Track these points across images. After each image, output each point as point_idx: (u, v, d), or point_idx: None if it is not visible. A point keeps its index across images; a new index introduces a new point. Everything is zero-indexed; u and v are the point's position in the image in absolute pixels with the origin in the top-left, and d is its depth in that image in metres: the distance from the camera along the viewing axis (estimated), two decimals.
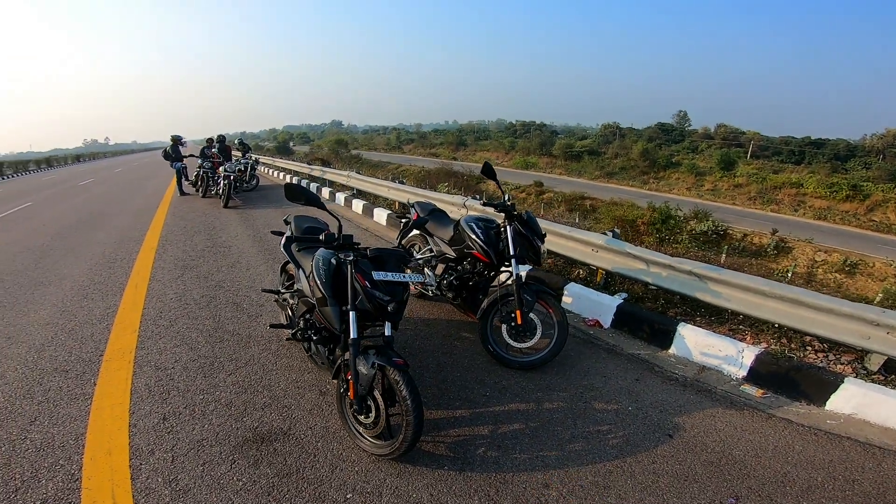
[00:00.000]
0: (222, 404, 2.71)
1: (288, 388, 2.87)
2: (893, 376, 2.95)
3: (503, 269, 3.35)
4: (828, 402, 2.81)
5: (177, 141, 11.18)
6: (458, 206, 6.28)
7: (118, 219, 9.07)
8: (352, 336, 2.11)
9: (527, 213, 3.22)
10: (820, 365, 3.11)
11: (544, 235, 3.24)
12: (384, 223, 8.10)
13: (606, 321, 3.96)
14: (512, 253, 3.06)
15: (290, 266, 3.33)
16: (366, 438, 2.28)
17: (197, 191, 11.35)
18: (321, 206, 2.24)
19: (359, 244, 2.26)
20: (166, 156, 11.13)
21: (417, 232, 4.12)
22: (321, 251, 2.37)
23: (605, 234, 4.51)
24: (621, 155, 45.08)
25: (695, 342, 3.41)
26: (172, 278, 5.00)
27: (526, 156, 50.56)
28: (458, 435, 2.48)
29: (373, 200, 9.64)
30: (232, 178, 9.68)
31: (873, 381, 2.87)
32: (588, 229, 5.31)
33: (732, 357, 3.22)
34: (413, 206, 4.15)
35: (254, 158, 12.14)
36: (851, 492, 2.12)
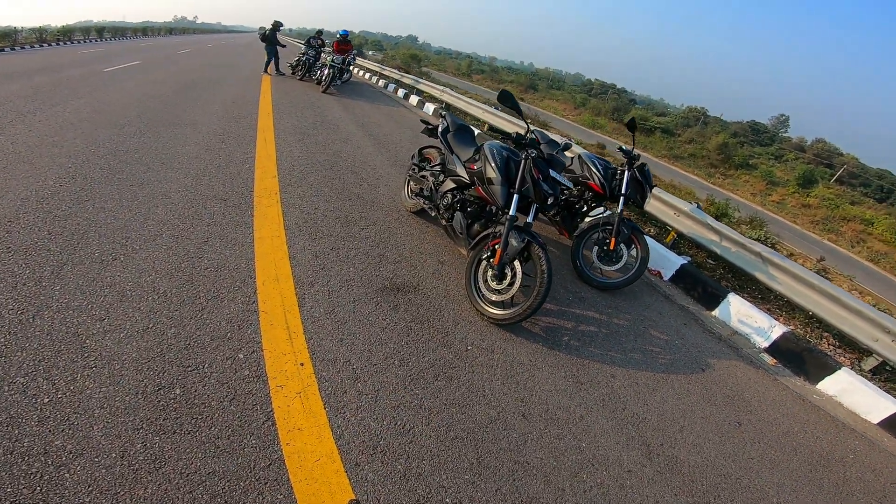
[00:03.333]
0: (361, 253, 3.21)
1: (412, 251, 3.48)
2: (877, 377, 3.49)
3: (605, 203, 3.85)
4: (820, 383, 3.36)
5: (277, 26, 11.64)
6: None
7: (226, 84, 9.77)
8: (511, 213, 2.70)
9: (645, 165, 3.66)
10: (827, 353, 3.64)
11: (653, 187, 3.69)
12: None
13: (667, 274, 4.48)
14: (624, 192, 3.56)
15: (429, 151, 3.95)
16: (487, 305, 2.81)
17: (294, 73, 12.33)
18: (521, 114, 2.78)
19: (537, 147, 2.79)
20: (264, 38, 11.59)
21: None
22: (492, 143, 2.94)
23: (690, 203, 4.89)
24: (696, 142, 42.59)
25: (737, 311, 3.92)
26: (295, 140, 5.68)
27: (595, 115, 48.26)
28: (549, 322, 3.09)
29: (462, 117, 10.07)
30: (336, 68, 10.40)
31: (862, 376, 3.38)
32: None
33: (763, 329, 3.73)
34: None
35: (354, 53, 12.47)
36: (816, 446, 2.70)
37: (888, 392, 3.25)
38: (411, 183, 4.10)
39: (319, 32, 12.33)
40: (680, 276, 4.41)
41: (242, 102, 7.68)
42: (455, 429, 2.01)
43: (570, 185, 2.81)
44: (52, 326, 2.02)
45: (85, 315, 2.12)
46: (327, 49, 11.37)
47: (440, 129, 3.63)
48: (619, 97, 57.81)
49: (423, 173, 3.78)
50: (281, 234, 3.21)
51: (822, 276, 4.36)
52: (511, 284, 2.76)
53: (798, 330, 3.85)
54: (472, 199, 3.16)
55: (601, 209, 3.91)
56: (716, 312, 4.06)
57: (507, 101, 2.65)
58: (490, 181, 2.81)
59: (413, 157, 4.09)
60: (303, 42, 11.98)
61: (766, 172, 38.67)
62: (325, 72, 10.39)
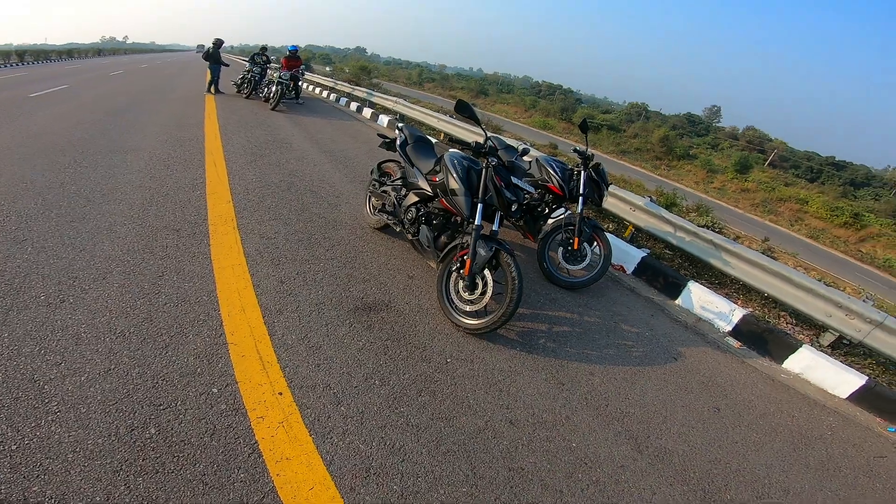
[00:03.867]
0: (328, 275, 3.14)
1: (381, 268, 3.44)
2: (837, 351, 3.70)
3: (565, 204, 3.95)
4: (785, 361, 3.54)
5: (218, 44, 11.37)
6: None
7: (168, 106, 9.30)
8: (476, 222, 2.71)
9: (601, 164, 3.78)
10: (787, 332, 3.84)
11: (609, 185, 3.82)
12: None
13: (630, 268, 4.64)
14: (582, 192, 3.65)
15: (388, 165, 3.90)
16: (462, 316, 2.83)
17: (239, 92, 11.95)
18: (479, 123, 2.78)
19: (496, 154, 2.80)
20: (207, 56, 11.28)
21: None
22: (452, 153, 2.94)
23: (643, 197, 5.10)
24: (640, 136, 44.82)
25: (698, 298, 4.10)
26: (246, 162, 5.48)
27: (545, 117, 49.82)
28: (523, 327, 3.12)
29: (418, 127, 10.14)
30: (284, 84, 10.19)
31: (822, 352, 3.58)
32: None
33: (724, 314, 3.91)
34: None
35: (302, 69, 12.18)
36: (794, 425, 2.85)
37: (850, 366, 3.45)
38: (372, 199, 4.04)
39: (264, 49, 12.07)
40: (642, 269, 4.57)
41: (186, 125, 7.34)
42: (445, 442, 2.01)
43: (533, 189, 2.85)
44: (6, 374, 1.92)
45: (39, 360, 2.01)
46: (274, 65, 11.13)
47: (398, 142, 3.60)
48: (566, 97, 60.00)
49: (385, 188, 3.73)
50: (242, 263, 3.10)
51: (768, 255, 4.67)
52: (483, 294, 2.78)
53: (757, 311, 4.07)
54: (437, 211, 3.15)
55: (562, 210, 4.00)
56: (679, 301, 4.23)
57: (465, 111, 2.66)
58: (453, 192, 2.82)
59: (372, 172, 4.03)
60: (247, 59, 11.71)
61: (706, 161, 41.16)
62: (273, 89, 10.16)
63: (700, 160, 41.63)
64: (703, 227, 5.70)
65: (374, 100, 12.99)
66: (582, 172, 3.70)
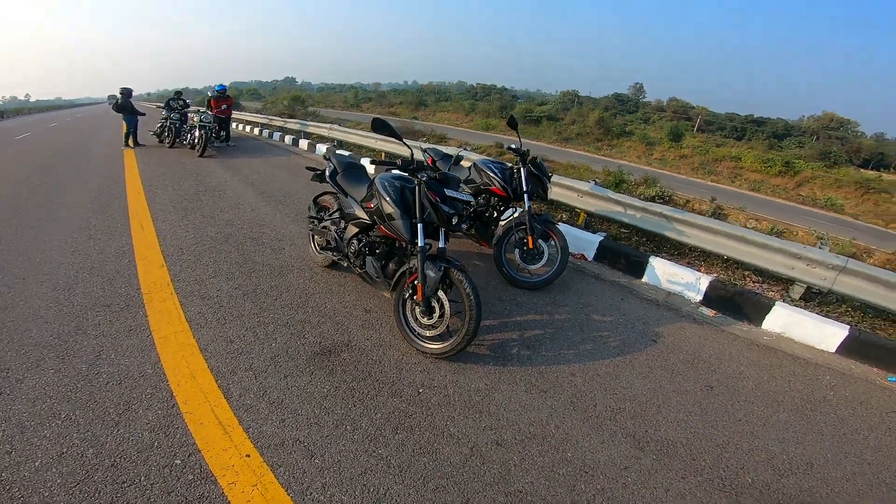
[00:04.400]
0: (280, 324, 2.95)
1: (335, 308, 3.23)
2: (811, 303, 3.73)
3: (512, 204, 3.87)
4: (763, 323, 3.53)
5: (127, 93, 10.64)
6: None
7: (82, 168, 8.62)
8: (420, 244, 2.55)
9: (538, 158, 3.72)
10: (757, 292, 3.87)
11: (550, 177, 3.77)
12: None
13: (590, 255, 4.63)
14: (525, 189, 3.58)
15: (325, 198, 3.69)
16: (424, 341, 2.71)
17: (161, 142, 11.24)
18: (400, 138, 2.61)
19: (426, 168, 2.65)
20: (118, 108, 10.56)
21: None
22: (382, 176, 2.78)
23: (588, 182, 5.13)
24: (578, 122, 46.40)
25: (663, 272, 4.13)
26: (177, 219, 5.10)
27: (486, 118, 50.74)
28: (494, 339, 2.99)
29: (358, 151, 9.90)
30: (208, 127, 9.68)
31: (797, 306, 3.60)
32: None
33: (692, 284, 3.94)
34: (426, 151, 4.44)
35: (224, 108, 11.60)
36: (793, 391, 2.78)
37: (828, 317, 3.45)
38: (316, 237, 3.81)
39: (179, 93, 11.45)
40: (602, 253, 4.56)
41: (106, 186, 6.79)
42: (433, 478, 1.91)
43: (471, 198, 2.73)
44: None
45: None
46: (194, 108, 10.57)
47: (327, 173, 3.41)
48: (503, 96, 61.38)
49: (324, 224, 3.52)
50: (185, 329, 2.87)
51: (719, 214, 4.78)
52: (441, 316, 2.64)
53: (722, 276, 4.10)
54: (379, 239, 2.97)
55: (511, 211, 3.92)
56: (645, 279, 4.23)
57: (383, 129, 2.51)
58: (390, 217, 2.66)
59: (309, 208, 3.81)
60: (163, 106, 11.06)
61: (642, 136, 43.08)
62: (197, 133, 9.59)
63: (637, 135, 43.47)
64: (652, 198, 5.81)
65: (309, 129, 12.67)
66: (521, 169, 3.62)
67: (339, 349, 2.74)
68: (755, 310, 3.59)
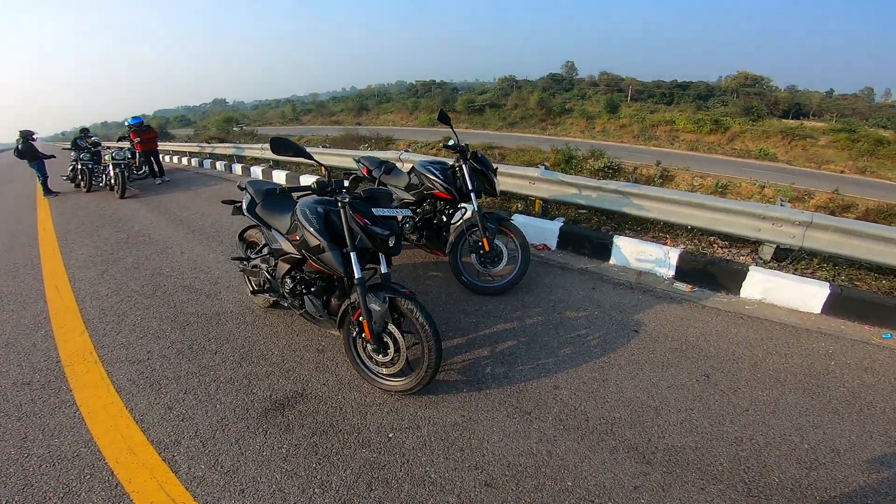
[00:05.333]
0: (224, 381, 2.61)
1: (283, 353, 2.86)
2: (782, 263, 3.63)
3: (461, 206, 3.59)
4: (741, 291, 3.42)
5: (27, 136, 9.52)
6: (394, 161, 6.32)
7: None
8: (356, 275, 2.20)
9: (478, 151, 3.46)
10: (727, 258, 3.75)
11: (496, 169, 3.52)
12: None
13: (552, 244, 4.44)
14: (471, 187, 3.30)
15: (251, 233, 3.28)
16: (385, 379, 2.42)
17: (77, 186, 10.16)
18: (308, 155, 2.25)
19: (346, 188, 2.30)
20: (20, 154, 9.46)
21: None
22: (302, 202, 2.40)
23: (537, 167, 4.95)
24: (520, 105, 46.99)
25: (630, 251, 3.99)
26: (97, 275, 4.50)
27: (430, 114, 50.49)
28: (463, 360, 2.71)
29: (297, 168, 9.32)
30: (123, 165, 8.73)
31: (770, 269, 3.47)
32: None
33: (661, 260, 3.81)
34: (360, 161, 4.18)
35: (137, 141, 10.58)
36: (790, 366, 2.59)
37: (804, 275, 3.36)
38: (250, 277, 3.39)
39: (85, 130, 10.50)
40: (565, 240, 4.39)
41: (16, 246, 5.97)
42: None
43: (406, 211, 2.38)
44: None
45: None
46: (106, 145, 9.62)
47: (244, 206, 3.01)
48: (443, 90, 61.09)
49: (254, 263, 3.12)
50: (116, 401, 2.52)
51: (666, 177, 4.71)
52: (398, 350, 2.33)
53: (689, 247, 3.99)
54: (313, 274, 2.61)
55: (460, 213, 3.64)
56: (612, 261, 4.09)
57: (286, 150, 2.14)
58: (318, 249, 2.29)
59: (236, 246, 3.38)
60: (70, 147, 9.99)
61: (582, 111, 44.26)
62: (112, 172, 8.66)
63: (577, 111, 44.58)
64: (601, 170, 5.70)
65: (245, 153, 11.92)
66: (464, 166, 3.34)
67: (294, 400, 2.43)
68: (730, 278, 3.49)
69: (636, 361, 2.66)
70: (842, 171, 27.07)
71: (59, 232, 6.44)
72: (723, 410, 2.26)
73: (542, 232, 4.49)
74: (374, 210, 2.24)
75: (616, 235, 4.15)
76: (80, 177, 9.96)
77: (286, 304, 2.87)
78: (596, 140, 34.31)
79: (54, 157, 10.49)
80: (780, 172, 24.09)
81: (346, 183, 2.31)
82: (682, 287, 3.63)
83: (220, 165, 12.05)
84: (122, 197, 8.58)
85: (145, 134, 10.26)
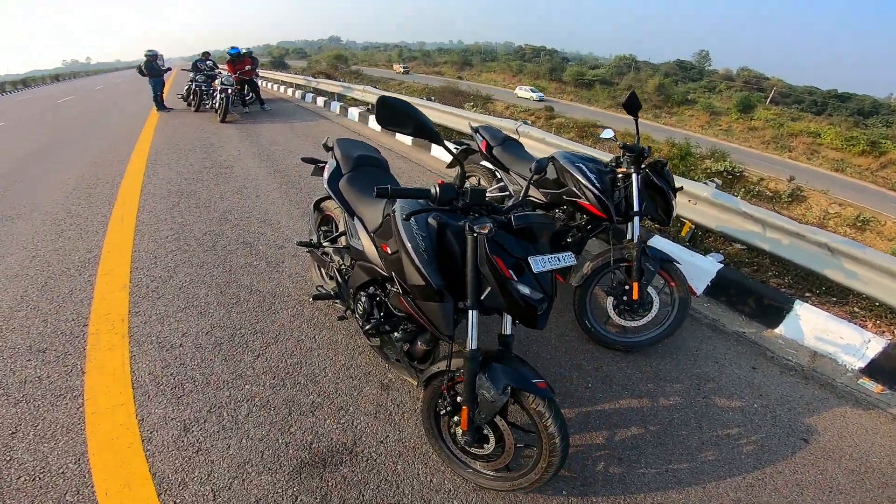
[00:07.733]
0: (258, 405, 2.00)
1: (338, 378, 2.18)
2: None
3: (610, 226, 2.58)
4: None
5: (151, 57, 9.97)
6: (510, 132, 5.24)
7: (100, 135, 7.99)
8: (471, 346, 1.38)
9: (661, 160, 2.40)
10: None
11: (679, 189, 2.44)
12: (409, 142, 7.27)
13: (699, 287, 3.29)
14: (636, 208, 2.29)
15: (329, 204, 2.50)
16: (474, 468, 1.67)
17: (189, 105, 10.68)
18: (436, 138, 1.38)
19: (488, 206, 1.41)
20: (142, 72, 10.00)
21: (484, 164, 3.40)
22: (402, 204, 1.53)
23: (706, 183, 3.71)
24: (635, 87, 42.70)
25: (812, 325, 2.79)
26: (166, 209, 4.14)
27: (535, 80, 47.75)
28: (570, 444, 1.88)
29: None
30: (229, 90, 8.88)
31: None
32: None
33: (853, 347, 2.63)
34: (477, 132, 3.28)
35: (247, 69, 10.56)
36: None
37: None
38: (319, 266, 2.63)
39: (207, 54, 10.65)
40: (719, 287, 3.22)
41: (109, 161, 5.97)
42: None
43: (572, 260, 1.47)
44: None
45: None
46: (220, 70, 9.74)
47: (326, 175, 2.19)
48: (552, 58, 57.29)
49: (325, 249, 2.38)
50: (128, 402, 1.99)
51: (797, 196, 3.27)
52: (501, 446, 1.54)
53: None
54: (400, 311, 1.73)
55: (609, 233, 2.63)
56: (780, 330, 2.92)
57: (394, 122, 1.35)
58: (420, 289, 1.44)
59: (310, 220, 2.65)
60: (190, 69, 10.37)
61: (707, 104, 39.53)
62: (218, 97, 8.79)
63: (700, 104, 39.98)
64: (720, 173, 4.26)
65: (351, 93, 11.49)
66: (634, 177, 2.32)
67: (340, 457, 1.79)
68: None
69: (798, 483, 1.90)
70: None
71: (152, 150, 6.38)
72: None
73: (689, 268, 3.32)
74: (530, 259, 1.33)
75: (799, 300, 2.93)
76: (191, 96, 10.42)
77: (353, 319, 2.12)
78: (717, 138, 30.27)
79: (170, 69, 10.93)
80: None
81: (478, 183, 1.40)
82: (870, 386, 2.52)
83: (320, 101, 11.95)
84: (222, 121, 8.76)
85: (239, 64, 10.21)
